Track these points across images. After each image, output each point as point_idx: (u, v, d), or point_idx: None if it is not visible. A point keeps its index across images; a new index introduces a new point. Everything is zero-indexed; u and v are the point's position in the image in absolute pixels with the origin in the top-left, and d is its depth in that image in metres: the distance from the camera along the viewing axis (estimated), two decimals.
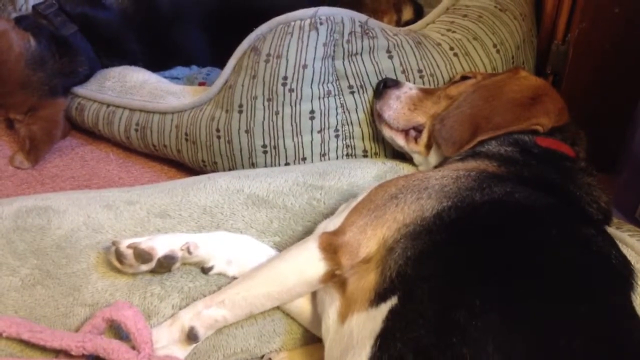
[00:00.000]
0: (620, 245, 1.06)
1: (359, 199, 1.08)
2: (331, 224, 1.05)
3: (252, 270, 1.10)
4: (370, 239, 0.99)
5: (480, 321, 0.78)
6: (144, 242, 1.08)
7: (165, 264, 1.09)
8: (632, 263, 1.00)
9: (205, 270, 1.14)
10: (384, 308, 0.87)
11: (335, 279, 1.00)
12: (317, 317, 1.09)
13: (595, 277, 0.90)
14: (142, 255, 1.07)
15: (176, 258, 1.10)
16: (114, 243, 1.09)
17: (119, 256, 1.08)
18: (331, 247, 1.00)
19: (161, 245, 1.09)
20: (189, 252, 1.10)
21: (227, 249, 1.15)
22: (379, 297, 0.90)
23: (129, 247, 1.07)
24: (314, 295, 1.11)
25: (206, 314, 1.06)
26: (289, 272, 1.03)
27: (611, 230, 1.12)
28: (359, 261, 0.98)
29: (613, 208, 1.16)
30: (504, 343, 0.76)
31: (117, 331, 1.07)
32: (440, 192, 1.00)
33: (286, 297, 1.06)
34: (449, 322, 0.79)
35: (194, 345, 1.08)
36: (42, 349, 1.01)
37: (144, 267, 1.09)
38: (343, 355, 0.89)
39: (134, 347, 1.00)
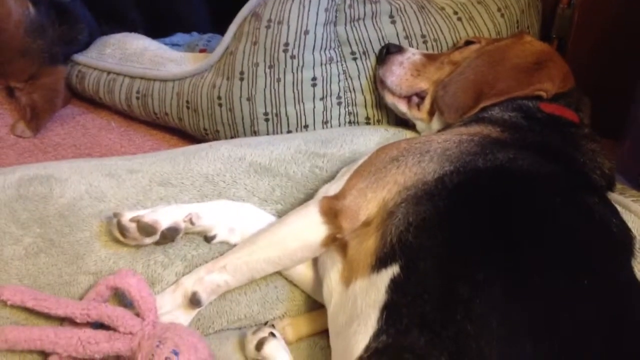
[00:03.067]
0: (623, 211, 1.06)
1: (360, 162, 1.07)
2: (332, 188, 1.05)
3: (254, 235, 1.10)
4: (370, 202, 0.99)
5: (484, 296, 0.78)
6: (147, 215, 1.07)
7: (169, 236, 1.09)
8: (635, 229, 1.00)
9: (208, 239, 1.14)
10: (385, 275, 0.87)
11: (336, 242, 1.01)
12: (318, 282, 1.09)
13: (597, 247, 0.91)
14: (146, 229, 1.06)
15: (179, 230, 1.09)
16: (115, 215, 1.08)
17: (122, 229, 1.06)
18: (332, 211, 1.00)
19: (164, 217, 1.08)
20: (192, 223, 1.10)
21: (229, 218, 1.15)
22: (379, 262, 0.90)
23: (132, 220, 1.06)
24: (315, 261, 1.12)
25: (208, 279, 1.06)
26: (290, 237, 1.04)
27: (615, 196, 1.12)
28: (360, 224, 0.98)
29: (617, 174, 1.15)
30: (508, 318, 0.76)
31: (121, 299, 1.08)
32: (442, 156, 0.99)
33: (287, 262, 1.06)
34: (453, 297, 0.79)
35: (198, 310, 1.09)
36: (47, 316, 1.02)
37: (148, 240, 1.07)
38: (348, 324, 0.89)
39: (138, 314, 1.01)
